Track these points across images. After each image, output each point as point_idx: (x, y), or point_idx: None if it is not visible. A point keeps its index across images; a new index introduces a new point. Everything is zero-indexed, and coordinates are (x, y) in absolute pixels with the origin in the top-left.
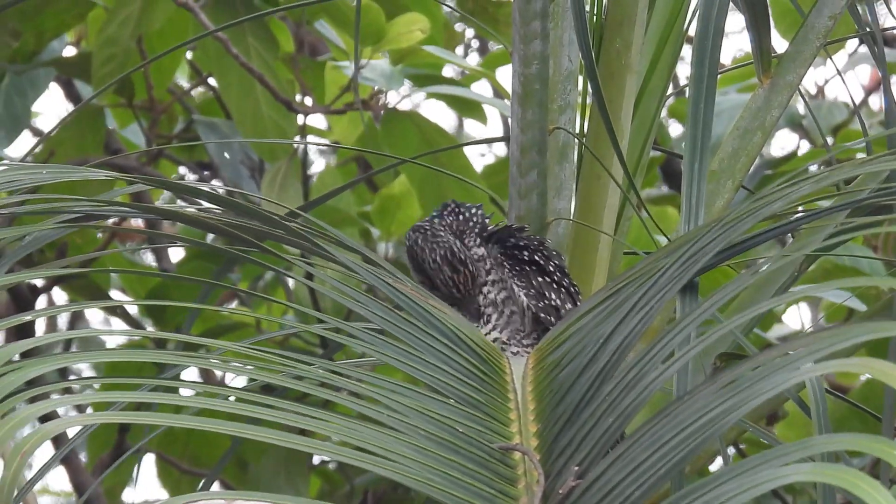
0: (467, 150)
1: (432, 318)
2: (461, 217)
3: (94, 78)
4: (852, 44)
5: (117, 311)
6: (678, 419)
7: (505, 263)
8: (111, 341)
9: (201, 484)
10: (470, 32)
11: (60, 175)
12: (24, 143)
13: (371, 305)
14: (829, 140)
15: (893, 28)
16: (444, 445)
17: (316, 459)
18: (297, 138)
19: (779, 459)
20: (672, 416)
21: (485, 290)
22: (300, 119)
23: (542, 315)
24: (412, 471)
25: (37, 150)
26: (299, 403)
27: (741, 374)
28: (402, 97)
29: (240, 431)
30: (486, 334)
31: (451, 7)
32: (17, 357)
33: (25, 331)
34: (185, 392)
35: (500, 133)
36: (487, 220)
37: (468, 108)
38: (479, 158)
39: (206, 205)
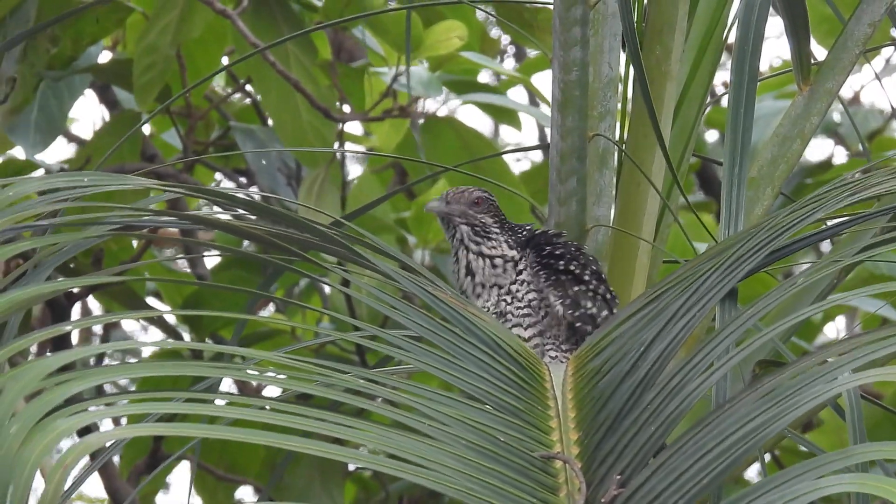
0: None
1: (471, 325)
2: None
3: (135, 86)
4: (887, 50)
5: (154, 318)
6: (720, 428)
7: (541, 273)
8: (147, 351)
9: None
10: (506, 38)
11: (100, 184)
12: (58, 148)
13: (409, 312)
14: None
15: None
16: (484, 454)
17: (352, 466)
18: (336, 145)
19: (818, 470)
20: (713, 425)
21: (513, 287)
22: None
23: (579, 324)
24: (451, 479)
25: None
26: (335, 412)
27: (781, 384)
28: (440, 104)
29: (275, 442)
30: (511, 328)
31: (488, 13)
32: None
33: (62, 339)
34: (219, 402)
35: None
36: (529, 228)
37: (504, 114)
38: (515, 164)
39: (241, 212)
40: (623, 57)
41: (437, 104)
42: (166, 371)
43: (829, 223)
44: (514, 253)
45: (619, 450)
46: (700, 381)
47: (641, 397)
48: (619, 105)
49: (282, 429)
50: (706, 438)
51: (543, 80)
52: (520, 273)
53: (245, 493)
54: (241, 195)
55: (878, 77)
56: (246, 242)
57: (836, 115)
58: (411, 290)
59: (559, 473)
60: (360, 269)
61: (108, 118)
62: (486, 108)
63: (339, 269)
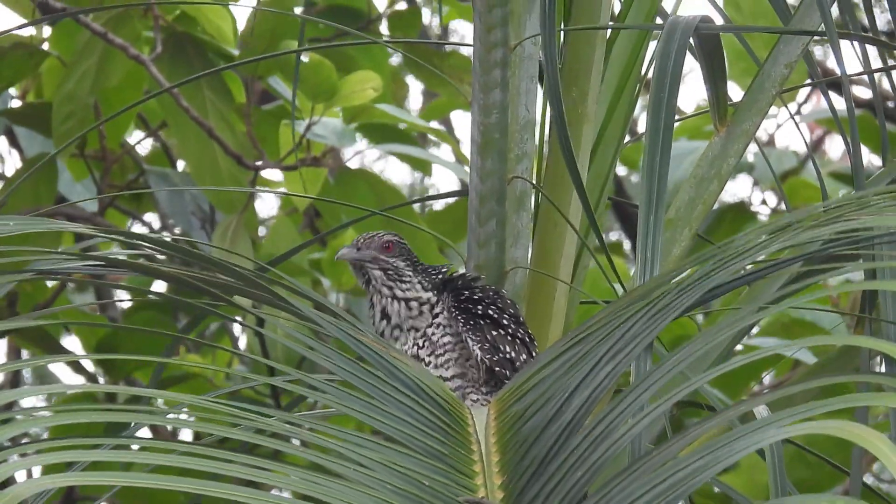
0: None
1: (393, 367)
2: (424, 267)
3: (54, 134)
4: (802, 92)
5: (67, 362)
6: (647, 477)
7: (459, 318)
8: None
9: None
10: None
11: (29, 226)
12: None
13: (328, 354)
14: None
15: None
16: (408, 498)
17: None
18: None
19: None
20: (640, 473)
21: (429, 331)
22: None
23: (497, 368)
24: None
25: None
26: (252, 455)
27: (708, 432)
28: (356, 154)
29: (190, 488)
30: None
31: (401, 52)
32: None
33: None
34: (134, 447)
35: (449, 180)
36: (444, 270)
37: (419, 163)
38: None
39: (154, 254)
40: (539, 99)
41: (352, 154)
42: (81, 418)
43: (748, 268)
44: (429, 295)
45: (544, 494)
46: (626, 427)
47: (567, 443)
48: (536, 147)
49: (199, 473)
50: (633, 486)
51: (454, 121)
52: (436, 316)
53: None
54: (158, 238)
55: (794, 119)
56: (162, 285)
57: (751, 157)
58: (333, 332)
59: None
60: (275, 311)
61: (18, 163)
62: (401, 157)
63: (257, 312)
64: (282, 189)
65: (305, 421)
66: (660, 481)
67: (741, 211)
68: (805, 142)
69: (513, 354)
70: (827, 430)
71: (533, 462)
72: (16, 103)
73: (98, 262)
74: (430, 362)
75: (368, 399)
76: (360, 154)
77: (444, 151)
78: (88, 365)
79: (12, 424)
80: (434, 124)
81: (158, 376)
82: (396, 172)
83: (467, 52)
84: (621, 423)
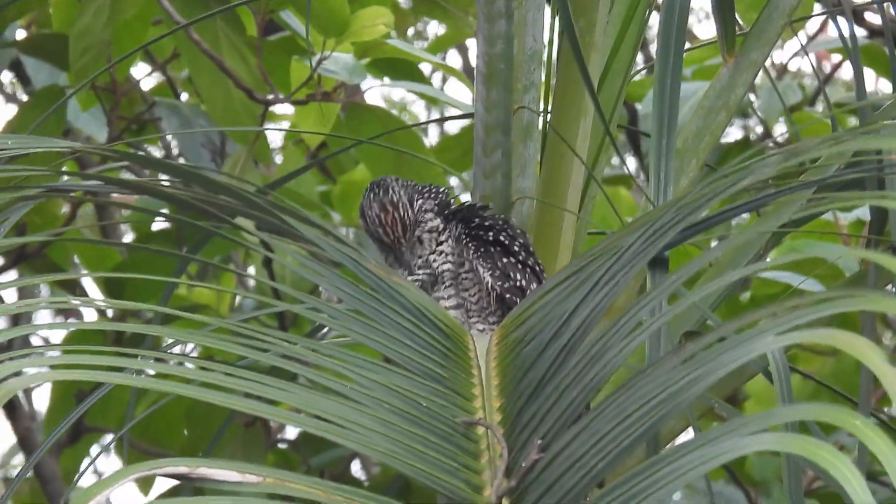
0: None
1: (396, 293)
2: (425, 190)
3: (72, 69)
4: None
5: (76, 290)
6: (641, 392)
7: (469, 244)
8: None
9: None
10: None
11: (26, 146)
12: None
13: (334, 279)
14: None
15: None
16: (407, 419)
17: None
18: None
19: (741, 430)
20: (635, 389)
21: (431, 257)
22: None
23: (508, 295)
24: (374, 442)
25: None
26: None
27: (706, 345)
28: (369, 87)
29: (198, 394)
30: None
31: None
32: None
33: None
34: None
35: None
36: (451, 201)
37: (432, 99)
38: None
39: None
40: (546, 29)
41: (367, 87)
42: (85, 358)
43: (763, 194)
44: (437, 222)
45: (541, 415)
46: (621, 346)
47: (564, 364)
48: (543, 78)
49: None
50: (628, 402)
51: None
52: (440, 244)
53: None
54: (169, 162)
55: (804, 50)
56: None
57: (752, 96)
58: (333, 255)
59: (481, 439)
60: (283, 239)
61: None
62: (414, 93)
63: (266, 236)
64: (289, 125)
65: (302, 340)
66: (652, 396)
67: (747, 146)
68: (814, 68)
69: (523, 283)
70: (818, 336)
71: (530, 384)
72: (21, 34)
73: (101, 182)
74: (434, 289)
75: (368, 322)
76: (372, 89)
77: (457, 87)
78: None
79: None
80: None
81: (166, 303)
82: (415, 109)
83: None
84: (616, 343)
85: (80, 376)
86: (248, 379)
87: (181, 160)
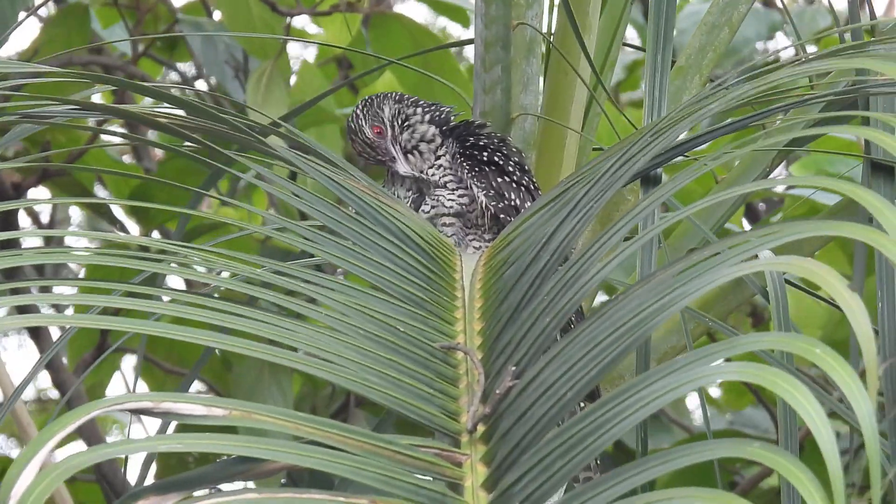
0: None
1: (380, 215)
2: (422, 103)
3: None
4: None
5: (101, 209)
6: (614, 318)
7: (464, 164)
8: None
9: (181, 385)
10: None
11: (50, 72)
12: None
13: (313, 201)
14: (813, 48)
15: None
16: (382, 345)
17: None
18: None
19: (704, 360)
20: (607, 315)
21: (429, 171)
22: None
23: (502, 215)
24: (348, 371)
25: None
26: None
27: (686, 267)
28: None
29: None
30: (426, 213)
31: None
32: None
33: (8, 224)
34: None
35: None
36: (452, 118)
37: (451, 11)
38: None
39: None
40: None
41: None
42: (111, 262)
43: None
44: (432, 129)
45: (515, 341)
46: (595, 271)
47: (540, 288)
48: None
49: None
50: (599, 329)
51: None
52: (438, 158)
53: (194, 387)
54: (177, 93)
55: None
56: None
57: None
58: (313, 175)
59: (460, 364)
60: (265, 160)
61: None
62: (433, 5)
63: (246, 158)
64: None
65: (275, 265)
66: (624, 321)
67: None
68: None
69: (517, 202)
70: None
71: (509, 308)
72: None
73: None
74: (430, 206)
75: (347, 245)
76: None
77: None
78: (122, 218)
79: (35, 252)
80: None
81: (184, 225)
82: (449, 25)
83: None
84: (592, 267)
85: (96, 323)
86: (215, 310)
87: (207, 78)
